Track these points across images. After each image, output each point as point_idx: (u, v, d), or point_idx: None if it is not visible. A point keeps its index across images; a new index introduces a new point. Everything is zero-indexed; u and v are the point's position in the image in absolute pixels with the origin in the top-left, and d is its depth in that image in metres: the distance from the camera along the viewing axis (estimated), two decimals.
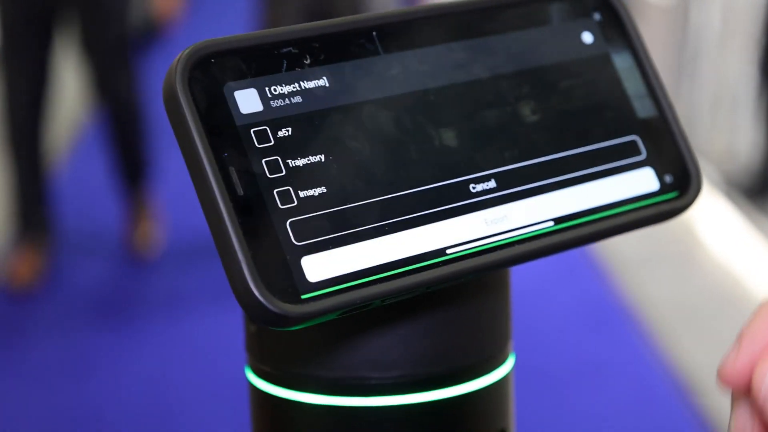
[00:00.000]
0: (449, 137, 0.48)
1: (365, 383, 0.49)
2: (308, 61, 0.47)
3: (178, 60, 0.44)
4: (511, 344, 0.53)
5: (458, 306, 0.50)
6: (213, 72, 0.45)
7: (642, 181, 0.52)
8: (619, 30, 0.54)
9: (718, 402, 2.66)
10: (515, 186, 0.49)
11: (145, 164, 3.44)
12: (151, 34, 2.89)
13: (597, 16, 0.54)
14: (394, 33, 0.49)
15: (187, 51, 0.44)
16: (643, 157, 0.52)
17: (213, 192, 0.43)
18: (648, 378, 2.82)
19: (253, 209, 0.44)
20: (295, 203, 0.45)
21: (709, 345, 3.03)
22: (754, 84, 4.07)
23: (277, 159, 0.45)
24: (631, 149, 0.52)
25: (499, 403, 0.52)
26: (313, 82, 0.47)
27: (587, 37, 0.53)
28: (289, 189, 0.45)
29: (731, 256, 3.66)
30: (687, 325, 3.18)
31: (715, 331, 3.13)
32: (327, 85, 0.47)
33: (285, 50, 0.46)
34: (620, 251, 3.63)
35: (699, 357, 2.94)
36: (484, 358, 0.51)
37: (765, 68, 3.96)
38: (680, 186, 0.52)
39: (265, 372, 0.51)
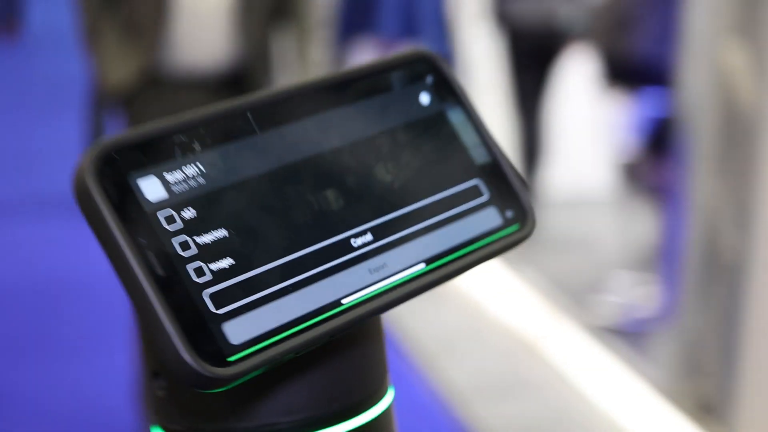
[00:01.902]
0: (327, 200, 0.55)
1: (278, 428, 0.53)
2: (197, 146, 0.52)
3: (85, 158, 0.48)
4: (389, 378, 0.59)
5: (349, 351, 0.55)
6: (118, 165, 0.49)
7: (489, 218, 0.60)
8: (448, 89, 0.61)
9: None
10: (388, 236, 0.56)
11: None
12: None
13: (430, 79, 0.61)
14: (266, 112, 0.55)
15: (93, 149, 0.49)
16: (486, 198, 0.60)
17: (136, 276, 0.47)
18: None
19: (173, 286, 0.48)
20: (209, 276, 0.49)
21: None
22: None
23: (186, 238, 0.50)
24: (475, 192, 0.60)
25: (389, 429, 0.58)
26: (205, 164, 0.52)
27: (425, 99, 0.61)
28: (201, 264, 0.49)
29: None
30: None
31: None
32: (217, 165, 0.52)
33: (176, 138, 0.51)
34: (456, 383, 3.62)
35: None
36: (374, 391, 0.57)
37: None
38: (519, 219, 0.60)
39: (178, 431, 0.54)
